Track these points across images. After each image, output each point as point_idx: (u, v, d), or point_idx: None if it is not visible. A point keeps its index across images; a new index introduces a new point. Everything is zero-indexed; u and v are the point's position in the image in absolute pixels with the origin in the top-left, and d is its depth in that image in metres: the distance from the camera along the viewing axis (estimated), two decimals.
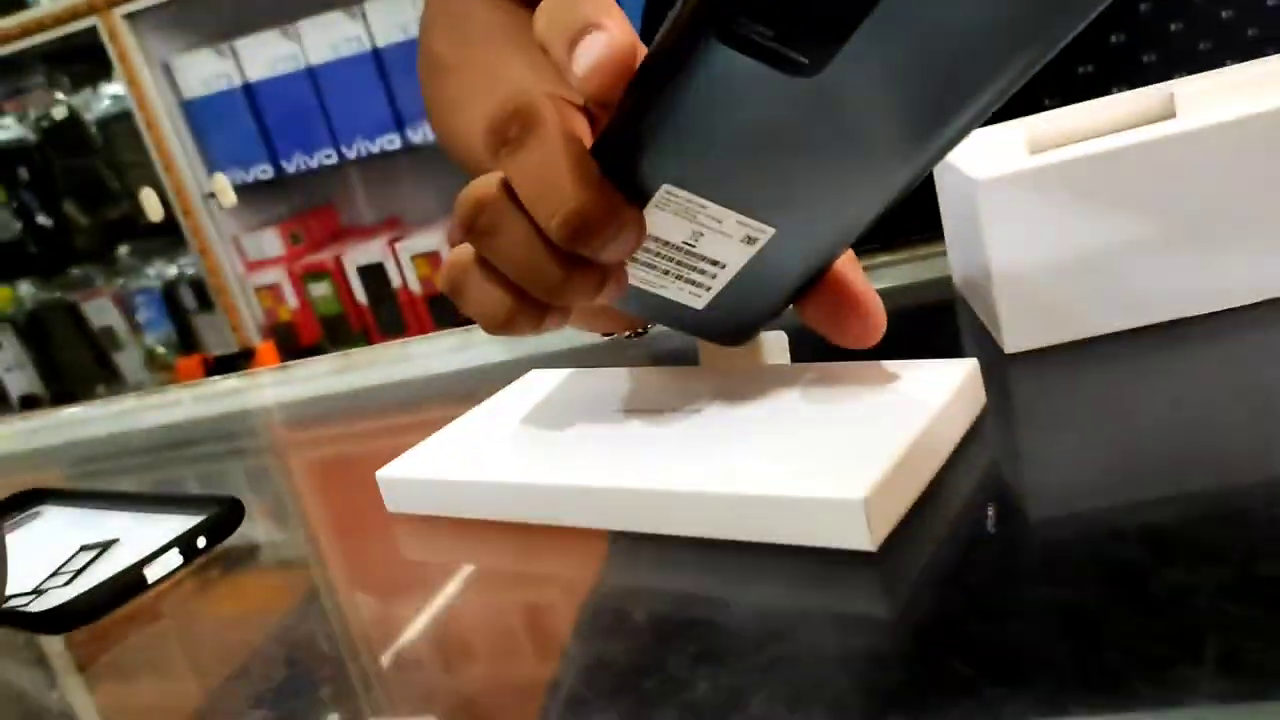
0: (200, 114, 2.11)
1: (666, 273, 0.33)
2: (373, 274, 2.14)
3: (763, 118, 0.26)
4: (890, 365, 0.35)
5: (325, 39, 1.97)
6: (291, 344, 2.25)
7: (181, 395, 0.74)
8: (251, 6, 2.05)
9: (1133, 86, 0.51)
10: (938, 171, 0.44)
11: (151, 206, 2.18)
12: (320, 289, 2.19)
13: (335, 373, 0.67)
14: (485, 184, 0.30)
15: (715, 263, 0.32)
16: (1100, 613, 0.23)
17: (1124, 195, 0.36)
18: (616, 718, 0.24)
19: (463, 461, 0.37)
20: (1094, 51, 0.51)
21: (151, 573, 0.38)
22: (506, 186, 0.30)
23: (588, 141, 0.30)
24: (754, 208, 0.30)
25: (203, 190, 2.16)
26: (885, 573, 0.27)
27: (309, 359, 0.71)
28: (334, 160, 2.09)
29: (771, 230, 0.30)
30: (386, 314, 2.16)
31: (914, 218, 0.49)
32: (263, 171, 2.14)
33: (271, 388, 0.71)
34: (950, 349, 0.42)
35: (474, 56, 0.58)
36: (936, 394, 0.32)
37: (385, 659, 0.31)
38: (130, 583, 0.38)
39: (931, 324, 0.46)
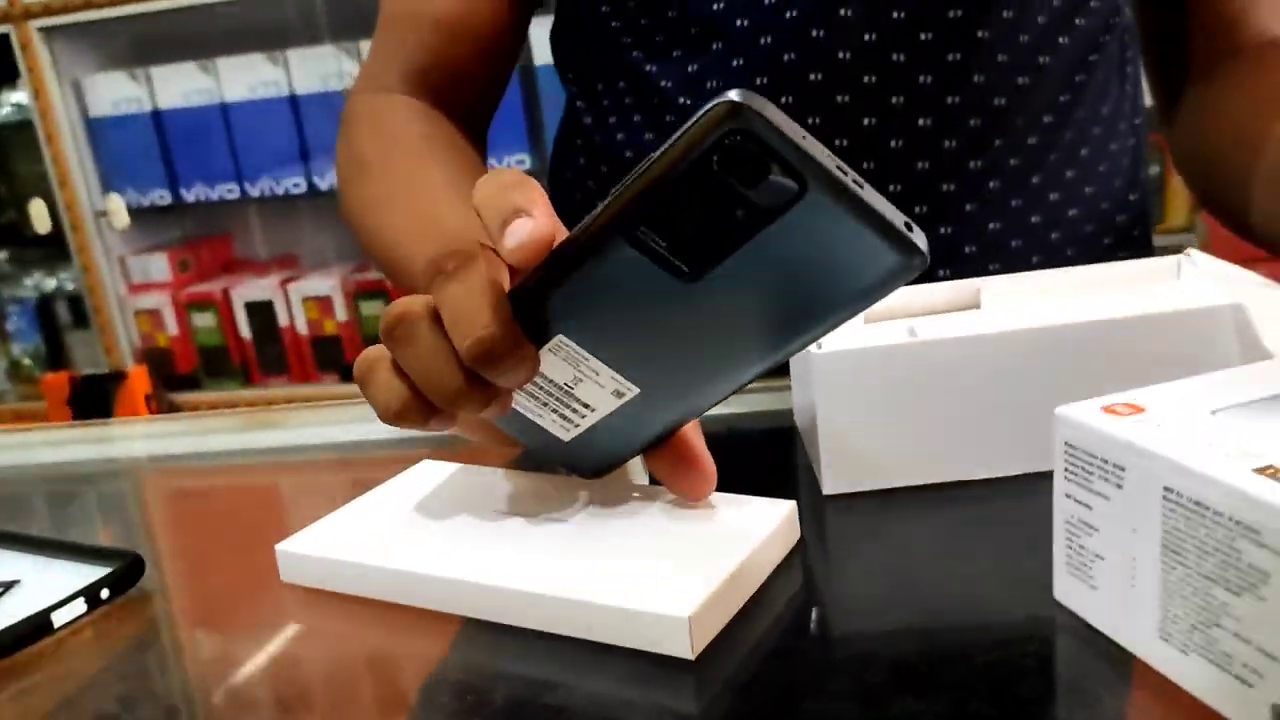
0: (104, 133, 2.10)
1: (545, 404, 0.40)
2: (260, 311, 2.15)
3: (646, 304, 0.34)
4: (726, 498, 0.42)
5: (243, 79, 2.00)
6: (166, 371, 2.22)
7: (74, 434, 0.76)
8: (173, 39, 2.06)
9: (956, 271, 0.61)
10: None
11: (39, 217, 2.14)
12: (204, 319, 2.18)
13: (241, 429, 0.71)
14: (410, 302, 0.37)
15: (586, 406, 0.39)
16: None
17: (933, 378, 0.44)
18: None
19: (352, 545, 0.43)
20: (929, 240, 0.61)
21: (58, 618, 0.42)
22: (431, 308, 0.36)
23: (506, 287, 0.37)
24: (626, 370, 0.37)
25: (95, 208, 2.14)
26: (700, 677, 0.34)
27: (211, 413, 0.74)
28: (235, 195, 2.10)
29: (637, 390, 0.38)
30: (270, 352, 2.16)
31: None
32: (160, 196, 2.13)
33: (162, 439, 0.75)
34: (783, 480, 0.50)
35: (396, 165, 0.65)
36: (758, 529, 0.40)
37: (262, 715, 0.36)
38: (39, 626, 0.42)
39: (771, 454, 0.54)
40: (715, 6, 0.60)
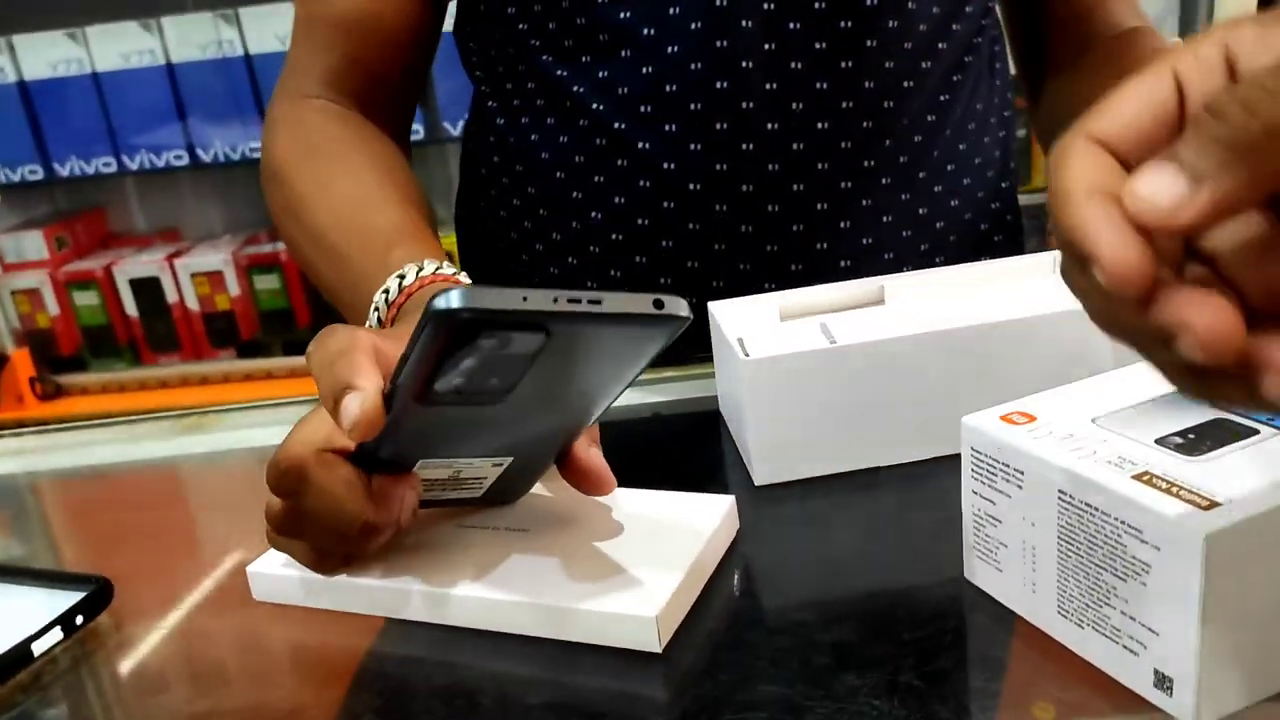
0: None
1: (444, 490, 0.44)
2: (146, 287, 2.08)
3: (475, 422, 0.39)
4: (669, 496, 0.47)
5: (115, 47, 1.92)
6: (50, 353, 2.14)
7: (9, 445, 0.76)
8: (36, 6, 1.96)
9: (855, 260, 0.66)
10: (712, 326, 0.56)
11: None
12: (86, 298, 2.11)
13: (181, 433, 0.72)
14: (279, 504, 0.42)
15: (477, 479, 0.44)
16: (804, 704, 0.35)
17: (849, 377, 0.49)
18: None
19: None
20: (829, 234, 0.66)
21: (37, 648, 0.44)
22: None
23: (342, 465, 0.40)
24: (489, 456, 0.43)
25: None
26: (666, 668, 0.38)
27: (149, 416, 0.74)
28: (112, 168, 2.03)
29: (510, 458, 0.43)
30: (159, 329, 2.11)
31: (690, 345, 0.61)
32: (31, 171, 2.04)
33: (87, 447, 0.74)
34: (713, 469, 0.54)
35: (308, 167, 0.66)
36: (705, 524, 0.44)
37: None
38: (19, 657, 0.43)
39: (698, 441, 0.58)
40: (623, 15, 0.62)
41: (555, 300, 0.32)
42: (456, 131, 1.84)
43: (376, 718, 0.38)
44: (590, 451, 0.43)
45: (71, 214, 2.23)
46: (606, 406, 0.42)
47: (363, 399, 0.36)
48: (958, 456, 0.39)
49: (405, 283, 0.53)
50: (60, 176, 2.04)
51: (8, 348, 2.12)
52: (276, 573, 0.45)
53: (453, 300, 0.31)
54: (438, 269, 0.53)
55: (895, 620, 0.39)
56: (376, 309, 0.54)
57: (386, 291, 0.53)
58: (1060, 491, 0.34)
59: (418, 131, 1.92)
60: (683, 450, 0.58)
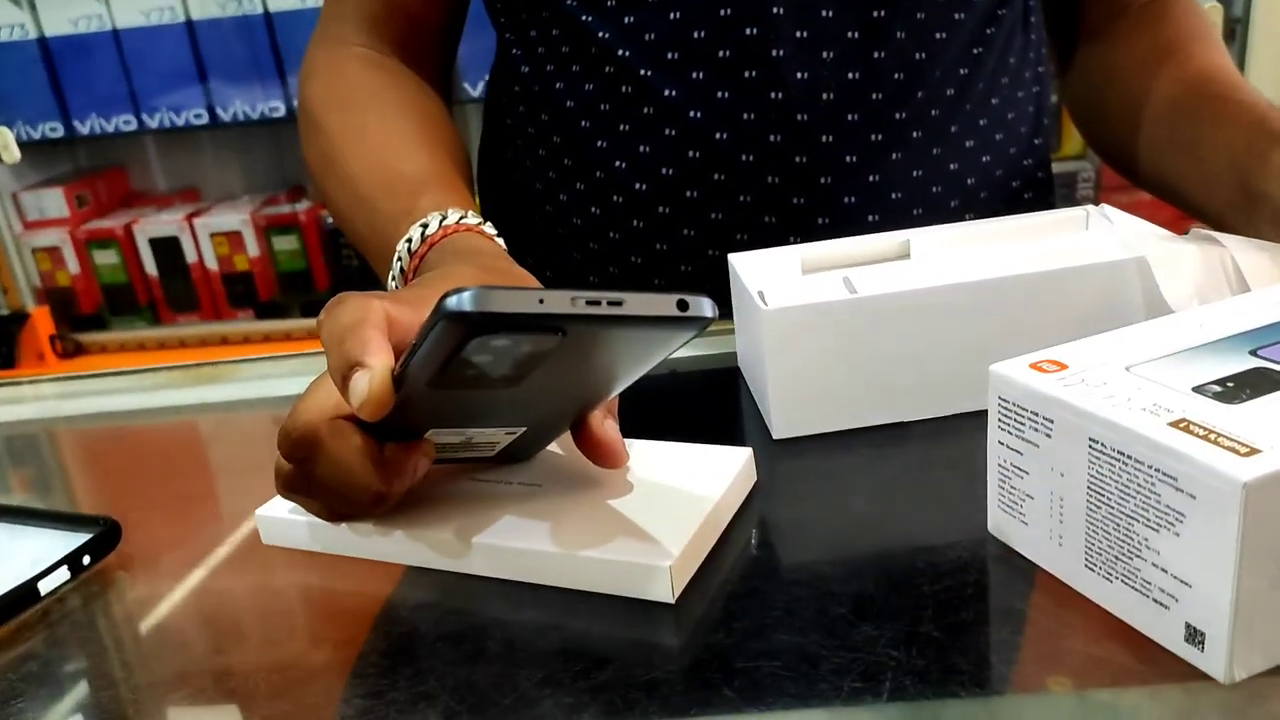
0: None
1: (456, 451, 0.43)
2: (166, 247, 2.09)
3: (487, 401, 0.38)
4: (686, 448, 0.46)
5: (136, 4, 1.91)
6: (70, 311, 2.15)
7: (27, 391, 0.75)
8: None
9: (884, 215, 0.65)
10: (732, 278, 0.55)
11: None
12: (106, 256, 2.11)
13: (198, 383, 0.71)
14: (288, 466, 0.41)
15: (489, 444, 0.43)
16: (819, 653, 0.34)
17: (871, 329, 0.48)
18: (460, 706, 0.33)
19: None
20: (858, 188, 0.64)
21: (43, 586, 0.44)
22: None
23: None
24: (502, 427, 0.42)
25: None
26: (679, 617, 0.37)
27: (167, 365, 0.74)
28: (133, 126, 2.02)
29: (523, 429, 0.42)
30: (179, 289, 2.11)
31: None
32: (51, 129, 2.04)
33: (107, 395, 0.74)
34: (731, 423, 0.53)
35: (342, 115, 0.65)
36: (721, 475, 0.43)
37: (271, 672, 0.38)
38: (25, 595, 0.43)
39: (718, 398, 0.57)
40: None
41: (573, 302, 0.31)
42: (476, 93, 1.82)
43: (385, 660, 0.37)
44: (605, 424, 0.42)
45: (92, 172, 2.23)
46: (625, 387, 0.41)
47: (371, 378, 0.35)
48: (981, 413, 0.38)
49: (428, 231, 0.52)
50: (81, 134, 2.04)
51: (28, 305, 2.13)
52: (285, 518, 0.45)
53: (465, 302, 0.30)
54: (462, 218, 0.53)
55: (915, 573, 0.38)
56: (399, 258, 0.53)
57: (409, 240, 0.53)
58: (1091, 440, 0.33)
59: None
60: (700, 406, 0.57)
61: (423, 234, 0.52)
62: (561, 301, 0.31)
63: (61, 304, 2.15)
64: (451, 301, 0.30)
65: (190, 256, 2.08)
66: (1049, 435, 0.35)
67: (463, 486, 0.45)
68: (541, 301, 0.31)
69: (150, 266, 2.10)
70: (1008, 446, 0.37)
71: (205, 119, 2.00)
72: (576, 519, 0.41)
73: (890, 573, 0.38)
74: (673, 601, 0.38)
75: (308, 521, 0.44)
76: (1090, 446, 0.33)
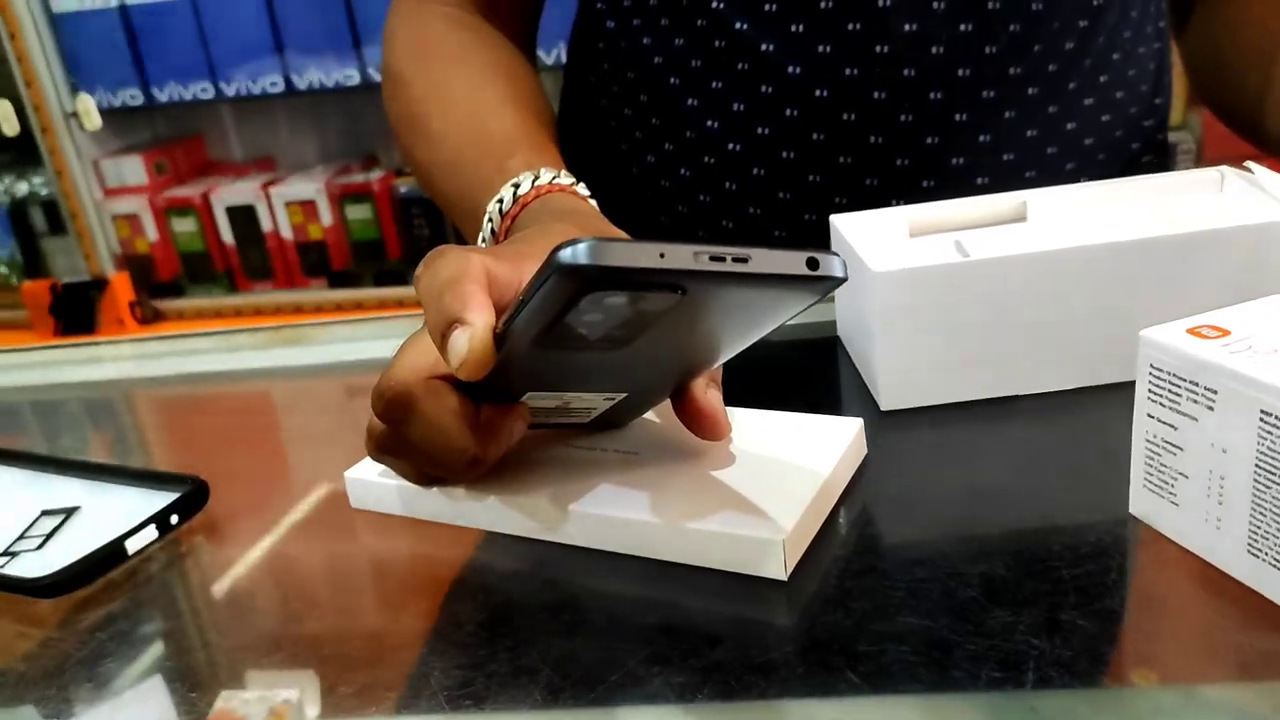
0: (70, 30, 2.02)
1: (550, 415, 0.41)
2: (242, 215, 2.11)
3: (590, 365, 0.35)
4: (794, 418, 0.43)
5: None
6: (148, 278, 2.19)
7: (84, 353, 0.75)
8: None
9: (994, 178, 0.61)
10: (834, 240, 0.52)
11: (6, 119, 2.07)
12: (184, 224, 2.14)
13: (279, 345, 0.71)
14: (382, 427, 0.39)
15: (585, 409, 0.41)
16: (951, 638, 0.31)
17: (986, 295, 0.45)
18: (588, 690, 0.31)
19: None
20: (967, 149, 0.60)
21: (132, 544, 0.43)
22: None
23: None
24: (601, 391, 0.39)
25: (65, 109, 2.07)
26: (792, 595, 0.35)
27: (247, 328, 0.74)
28: (210, 94, 2.04)
29: (623, 394, 0.40)
30: (254, 258, 2.13)
31: None
32: (131, 96, 2.07)
33: (187, 355, 0.74)
34: (833, 395, 0.51)
35: (427, 74, 0.63)
36: (832, 447, 0.40)
37: (353, 638, 0.37)
38: (114, 553, 0.42)
39: (816, 369, 0.54)
40: None
41: (696, 257, 0.28)
42: (550, 60, 1.80)
43: (482, 631, 0.35)
44: (709, 393, 0.40)
45: (170, 140, 2.26)
46: (734, 354, 0.38)
47: (471, 336, 0.33)
48: (1104, 388, 0.35)
49: (520, 192, 0.51)
50: (159, 102, 2.07)
51: (108, 272, 2.17)
52: (375, 481, 0.43)
53: (580, 255, 0.27)
54: (554, 178, 0.51)
55: (1051, 555, 0.35)
56: (490, 219, 0.51)
57: (500, 201, 0.51)
58: (1264, 413, 0.30)
59: None
60: (799, 376, 0.54)
61: (515, 194, 0.51)
62: (683, 256, 0.28)
63: (140, 271, 2.18)
64: (565, 254, 0.28)
65: (265, 225, 2.10)
66: (1210, 408, 0.31)
67: (557, 452, 0.43)
68: (662, 255, 0.28)
69: (227, 234, 2.13)
70: (1159, 420, 0.34)
71: (281, 88, 2.01)
72: (679, 489, 0.39)
73: (1022, 554, 0.35)
74: (785, 579, 0.35)
75: (398, 485, 0.42)
76: (1262, 420, 0.30)
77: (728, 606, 0.35)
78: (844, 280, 0.30)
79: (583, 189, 0.52)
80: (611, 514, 0.38)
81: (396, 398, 0.37)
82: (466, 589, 0.39)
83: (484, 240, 0.52)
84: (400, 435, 0.38)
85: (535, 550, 0.40)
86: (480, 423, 0.38)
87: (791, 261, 0.29)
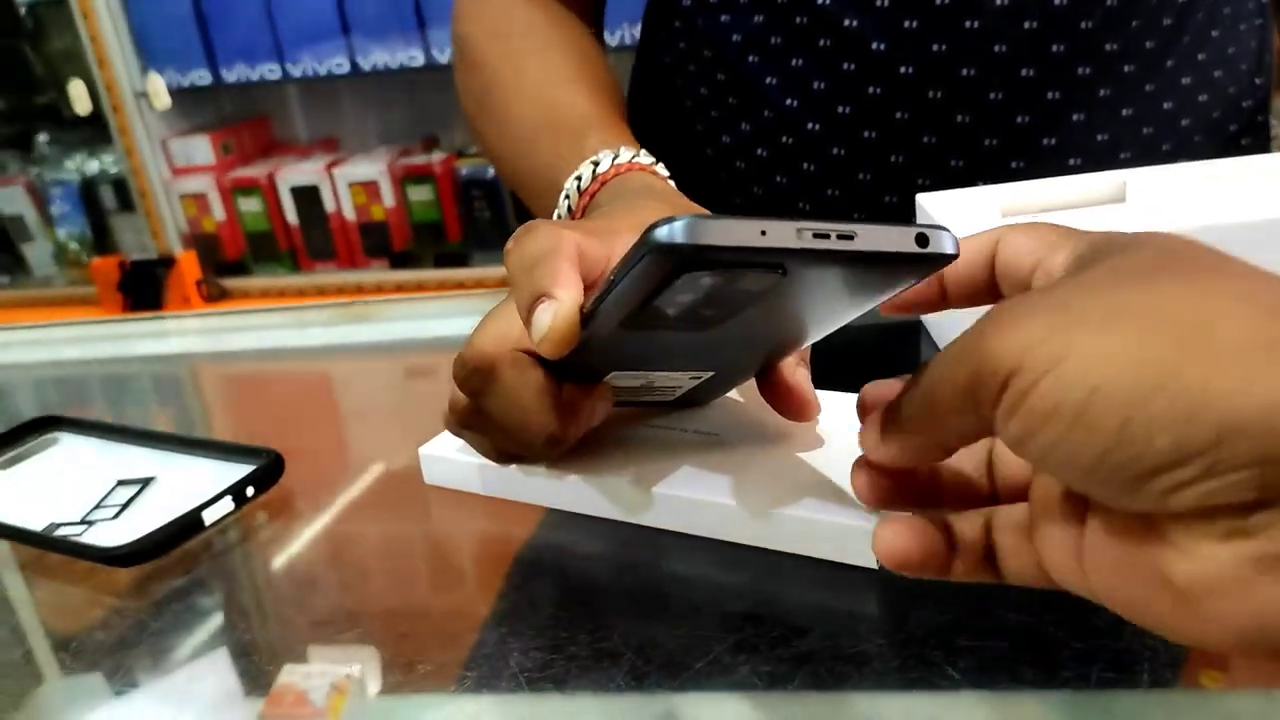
0: (141, 11, 2.05)
1: (633, 394, 0.40)
2: (306, 195, 2.13)
3: (679, 345, 0.34)
4: None
5: None
6: (214, 256, 2.22)
7: (175, 325, 0.76)
8: None
9: (1087, 159, 0.59)
10: (921, 220, 0.50)
11: (79, 98, 2.11)
12: (250, 204, 2.16)
13: (346, 321, 0.71)
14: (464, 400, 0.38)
15: (670, 388, 0.40)
16: (1056, 634, 0.30)
17: None
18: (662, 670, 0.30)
19: None
20: (1060, 128, 0.58)
21: (208, 516, 0.43)
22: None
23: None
24: (688, 370, 0.38)
25: (135, 89, 2.11)
26: (884, 584, 0.34)
27: (315, 304, 0.74)
28: (277, 75, 2.06)
29: (710, 373, 0.38)
30: (318, 238, 2.15)
31: None
32: (200, 77, 2.09)
33: (256, 330, 0.74)
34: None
35: (499, 51, 0.62)
36: None
37: (428, 617, 0.36)
38: (191, 524, 0.42)
39: (899, 353, 0.52)
40: None
41: (799, 234, 0.26)
42: (614, 41, 1.79)
43: (561, 613, 0.34)
44: (797, 373, 0.38)
45: (236, 120, 2.29)
46: (829, 333, 0.36)
47: (556, 312, 0.32)
48: None
49: (600, 169, 0.49)
50: (227, 83, 2.09)
51: (175, 250, 2.21)
52: (451, 457, 0.43)
53: (676, 233, 0.26)
54: (634, 157, 0.50)
55: None
56: (567, 196, 0.50)
57: (579, 178, 0.50)
58: None
59: None
60: (883, 358, 0.52)
61: (594, 171, 0.49)
62: (786, 234, 0.26)
63: (207, 249, 2.22)
64: (661, 233, 0.26)
65: (329, 206, 2.12)
66: None
67: (636, 432, 0.42)
68: (764, 233, 0.26)
69: (291, 214, 2.15)
70: None
71: (346, 69, 2.02)
72: (764, 472, 0.38)
73: None
74: (876, 568, 0.34)
75: (476, 463, 0.42)
76: None
77: (815, 595, 0.34)
78: (955, 257, 0.28)
79: (662, 169, 0.51)
80: (695, 496, 0.37)
81: (478, 368, 0.36)
82: (541, 568, 0.38)
83: (559, 217, 0.51)
84: (480, 408, 0.37)
85: (610, 531, 0.39)
86: (562, 401, 0.37)
87: (899, 238, 0.28)
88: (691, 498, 0.37)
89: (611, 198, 0.48)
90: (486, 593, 0.37)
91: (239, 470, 0.45)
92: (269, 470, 0.45)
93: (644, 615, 0.34)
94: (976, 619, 0.31)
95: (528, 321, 0.33)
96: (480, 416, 0.38)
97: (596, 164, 0.50)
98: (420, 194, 2.09)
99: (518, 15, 0.64)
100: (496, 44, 0.62)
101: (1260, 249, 0.41)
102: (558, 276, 0.33)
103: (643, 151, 0.51)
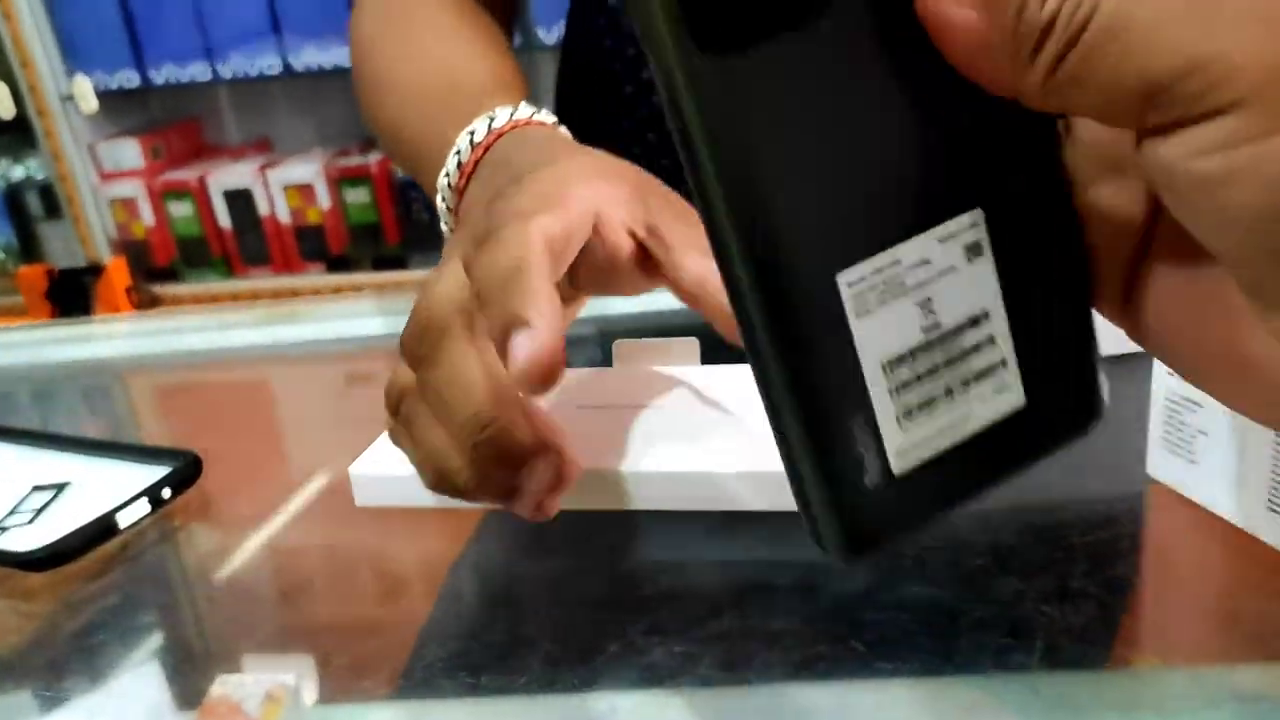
0: (66, 12, 2.00)
1: (931, 397, 0.20)
2: (239, 199, 2.09)
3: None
4: None
5: None
6: (144, 263, 2.18)
7: (75, 331, 0.75)
8: None
9: None
10: None
11: (1, 102, 2.06)
12: (181, 209, 2.13)
13: (275, 322, 0.70)
14: (406, 377, 0.32)
15: (974, 320, 0.19)
16: (958, 606, 0.31)
17: None
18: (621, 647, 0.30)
19: None
20: None
21: (123, 519, 0.42)
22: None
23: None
24: (933, 212, 0.19)
25: (61, 91, 2.06)
26: (794, 562, 0.34)
27: (244, 306, 0.73)
28: (207, 76, 2.02)
29: (976, 210, 0.19)
30: (251, 242, 2.12)
31: None
32: (127, 79, 2.05)
33: (177, 333, 0.73)
34: None
35: (394, 38, 0.61)
36: None
37: (344, 609, 0.36)
38: (105, 528, 0.41)
39: None
40: None
41: None
42: (550, 39, 1.78)
43: (495, 614, 0.35)
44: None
45: (166, 123, 2.25)
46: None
47: (536, 339, 0.27)
48: (1126, 357, 0.34)
49: (496, 124, 0.43)
50: (156, 85, 2.05)
51: (104, 257, 2.16)
52: (387, 474, 0.38)
53: None
54: (534, 115, 0.44)
55: (1063, 523, 0.34)
56: (458, 151, 0.43)
57: (472, 132, 0.43)
58: None
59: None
60: None
61: (490, 125, 0.43)
62: None
63: (137, 256, 2.17)
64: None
65: (263, 209, 2.09)
66: None
67: (581, 414, 0.41)
68: None
69: (224, 219, 2.12)
70: (1178, 377, 0.33)
71: (279, 69, 1.99)
72: (714, 437, 0.37)
73: (1033, 522, 0.34)
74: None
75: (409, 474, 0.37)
76: None
77: (770, 552, 0.34)
78: None
79: (565, 131, 0.45)
80: (656, 469, 0.36)
81: (430, 327, 0.31)
82: (477, 571, 0.38)
83: (446, 176, 0.44)
84: (423, 382, 0.32)
85: (547, 527, 0.39)
86: (513, 396, 0.31)
87: None
88: (663, 471, 0.36)
89: (510, 150, 0.42)
90: (420, 597, 0.37)
91: (156, 473, 0.44)
92: (186, 472, 0.45)
93: (562, 603, 0.34)
94: (880, 594, 0.32)
95: (502, 351, 0.28)
96: (416, 406, 0.32)
97: (493, 119, 0.43)
98: (357, 196, 2.07)
99: (420, 13, 0.63)
100: (394, 29, 0.61)
101: None
102: (533, 298, 0.28)
103: (544, 110, 0.45)
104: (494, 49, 0.58)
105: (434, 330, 0.31)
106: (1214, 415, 0.32)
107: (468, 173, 0.43)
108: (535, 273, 0.29)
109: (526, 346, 0.27)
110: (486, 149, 0.43)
